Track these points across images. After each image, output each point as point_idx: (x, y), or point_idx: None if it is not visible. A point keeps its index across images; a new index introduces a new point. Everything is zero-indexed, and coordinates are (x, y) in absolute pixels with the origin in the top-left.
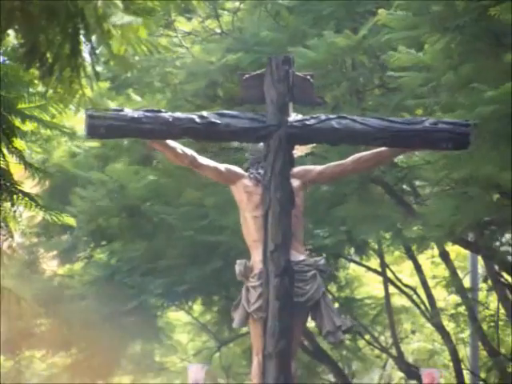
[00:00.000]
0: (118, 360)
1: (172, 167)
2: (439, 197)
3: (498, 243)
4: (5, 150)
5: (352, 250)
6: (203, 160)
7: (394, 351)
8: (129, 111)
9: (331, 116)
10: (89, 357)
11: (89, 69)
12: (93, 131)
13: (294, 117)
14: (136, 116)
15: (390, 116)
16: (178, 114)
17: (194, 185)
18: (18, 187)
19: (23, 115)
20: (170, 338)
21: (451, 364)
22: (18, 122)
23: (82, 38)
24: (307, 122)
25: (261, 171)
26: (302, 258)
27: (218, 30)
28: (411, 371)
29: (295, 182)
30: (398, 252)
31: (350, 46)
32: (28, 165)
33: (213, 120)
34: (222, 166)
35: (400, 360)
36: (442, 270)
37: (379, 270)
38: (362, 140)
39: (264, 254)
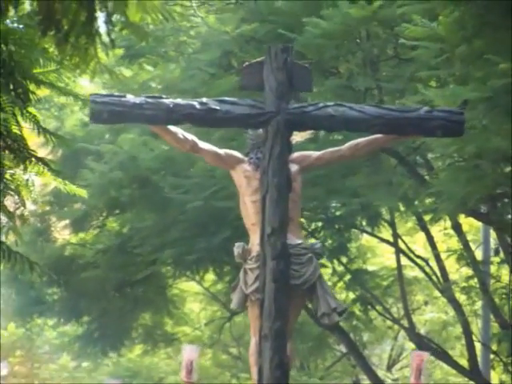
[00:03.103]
0: (129, 330)
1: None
2: (451, 169)
3: (510, 215)
4: (19, 116)
5: (364, 222)
6: (203, 145)
7: (405, 322)
8: (131, 97)
9: (329, 103)
10: (100, 326)
11: (104, 36)
12: (96, 116)
13: (292, 104)
14: (138, 102)
15: (404, 86)
16: (179, 101)
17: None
18: (32, 152)
19: (38, 80)
20: (181, 307)
21: (463, 336)
22: (32, 87)
23: (97, 5)
24: (305, 109)
25: (260, 156)
26: (298, 241)
27: (233, 0)
28: (423, 342)
29: (293, 167)
30: (411, 223)
31: (364, 17)
32: (42, 130)
33: (213, 106)
34: (222, 151)
35: (412, 331)
36: (455, 242)
37: (392, 241)
38: (359, 127)
39: (261, 238)
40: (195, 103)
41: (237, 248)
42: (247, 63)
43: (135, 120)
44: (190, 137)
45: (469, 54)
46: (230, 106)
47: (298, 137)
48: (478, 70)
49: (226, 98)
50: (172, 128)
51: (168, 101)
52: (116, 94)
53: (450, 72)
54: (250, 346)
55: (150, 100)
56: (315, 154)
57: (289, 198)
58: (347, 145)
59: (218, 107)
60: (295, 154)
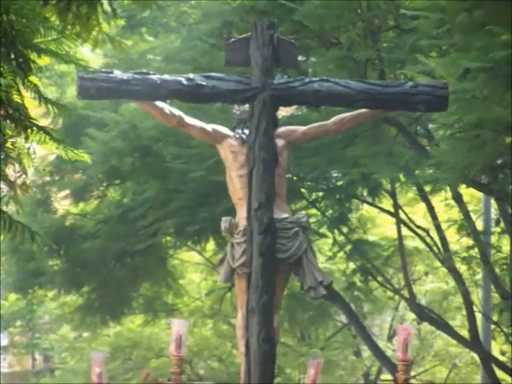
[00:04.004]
0: (129, 300)
1: (184, 108)
2: (452, 139)
3: (511, 186)
4: (20, 85)
5: (365, 192)
6: (190, 120)
7: (406, 293)
8: (118, 73)
9: (314, 78)
10: (100, 296)
11: (106, 5)
12: (84, 92)
13: (278, 79)
14: (125, 78)
15: (405, 57)
16: (166, 77)
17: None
18: (33, 121)
19: (39, 49)
20: (181, 278)
21: (464, 306)
22: (33, 56)
23: None
24: (291, 85)
25: (246, 131)
26: (285, 215)
27: None
28: (423, 313)
29: (279, 142)
30: (412, 193)
31: None
32: (44, 99)
33: (199, 82)
34: (209, 126)
35: (412, 302)
36: (456, 213)
37: (392, 211)
38: (344, 102)
39: (248, 212)
40: (182, 79)
41: (224, 222)
42: (232, 39)
43: (123, 96)
44: (177, 112)
45: (469, 24)
46: (217, 82)
47: (283, 111)
48: (479, 41)
49: (213, 74)
50: (159, 103)
51: (155, 77)
52: (103, 69)
53: (451, 42)
54: (236, 319)
55: (137, 76)
56: (301, 128)
57: (275, 172)
58: (332, 119)
59: (204, 83)
60: (281, 129)
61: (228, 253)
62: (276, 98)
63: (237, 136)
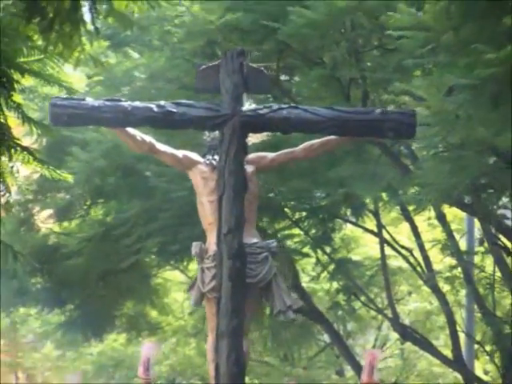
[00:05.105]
0: (112, 318)
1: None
2: (435, 160)
3: (495, 206)
4: (3, 105)
5: (349, 212)
6: (161, 146)
7: (389, 312)
8: (90, 100)
9: (283, 106)
10: (83, 314)
11: (89, 24)
12: (56, 119)
13: (247, 106)
14: (96, 105)
15: (389, 77)
16: (137, 104)
17: (188, 144)
18: (17, 141)
19: (22, 69)
20: (164, 297)
21: (447, 326)
22: (17, 75)
23: None
24: (260, 112)
25: (216, 157)
26: (254, 240)
27: None
28: (407, 332)
29: (249, 168)
30: (395, 213)
31: (349, 7)
32: (27, 119)
33: (169, 109)
34: (180, 153)
35: (395, 321)
36: (439, 233)
37: (376, 231)
38: (313, 129)
39: (218, 237)
40: (153, 106)
41: (194, 247)
42: (203, 66)
43: (94, 122)
44: (148, 138)
45: (455, 43)
46: (187, 109)
47: (253, 138)
48: (464, 59)
49: (183, 101)
50: (130, 130)
51: (126, 104)
52: (75, 97)
53: (436, 61)
54: (207, 343)
55: (108, 103)
56: (270, 155)
57: (245, 198)
58: (301, 146)
59: (174, 110)
60: (251, 156)
61: (198, 277)
62: (245, 125)
63: (207, 162)
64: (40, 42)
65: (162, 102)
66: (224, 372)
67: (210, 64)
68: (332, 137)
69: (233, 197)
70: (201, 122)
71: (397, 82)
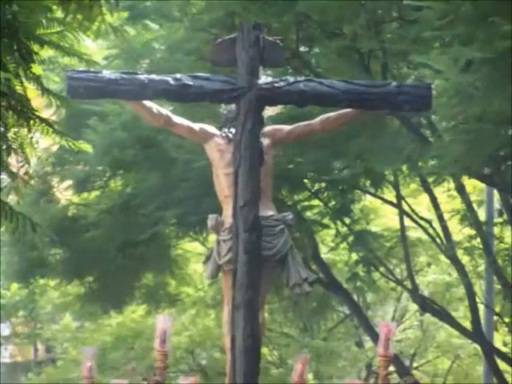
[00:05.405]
0: (131, 290)
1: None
2: (454, 131)
3: None
4: (22, 76)
5: (368, 183)
6: (178, 119)
7: (408, 284)
8: (107, 73)
9: (299, 78)
10: (102, 286)
11: None
12: (73, 91)
13: (263, 79)
14: (113, 78)
15: (408, 48)
16: (154, 76)
17: (208, 116)
18: (36, 113)
19: (42, 41)
20: (184, 268)
21: (466, 297)
22: (36, 47)
23: None
24: (276, 85)
25: (233, 130)
26: (270, 213)
27: None
28: (426, 304)
29: (265, 141)
30: (414, 184)
31: None
32: (46, 91)
33: (186, 82)
34: (196, 126)
35: (415, 293)
36: (458, 203)
37: (395, 202)
38: (328, 102)
39: (234, 210)
40: (169, 79)
41: (210, 220)
42: (219, 40)
43: (111, 95)
44: (165, 111)
45: (473, 15)
46: (204, 82)
47: (269, 110)
48: (482, 32)
49: (200, 74)
50: (147, 103)
51: (143, 76)
52: (92, 69)
53: (454, 33)
54: (223, 315)
55: (125, 76)
56: (287, 128)
57: (261, 170)
58: (318, 119)
59: (191, 83)
60: (267, 128)
61: (214, 250)
62: (261, 98)
63: (223, 135)
64: (60, 15)
65: (179, 75)
66: (240, 344)
67: (227, 37)
68: (348, 110)
69: (249, 170)
70: (217, 95)
71: (415, 55)
